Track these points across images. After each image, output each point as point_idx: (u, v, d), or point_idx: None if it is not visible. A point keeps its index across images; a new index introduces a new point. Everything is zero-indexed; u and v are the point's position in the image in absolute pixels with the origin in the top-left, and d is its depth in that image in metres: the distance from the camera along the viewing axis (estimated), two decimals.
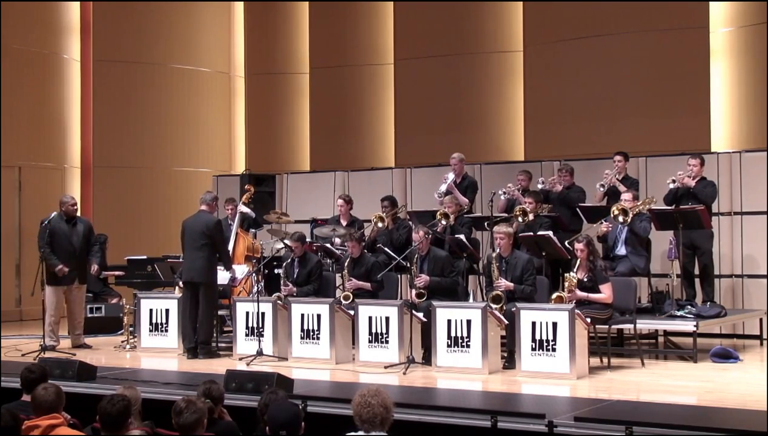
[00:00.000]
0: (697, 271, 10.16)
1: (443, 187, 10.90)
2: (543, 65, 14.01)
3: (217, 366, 8.91)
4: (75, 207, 10.81)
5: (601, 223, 9.87)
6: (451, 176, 11.02)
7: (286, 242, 10.57)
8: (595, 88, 13.33)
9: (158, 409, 6.24)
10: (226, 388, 6.58)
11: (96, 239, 11.04)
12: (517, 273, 8.91)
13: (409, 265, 9.38)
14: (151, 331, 10.29)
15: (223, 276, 10.10)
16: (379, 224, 10.84)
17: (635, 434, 5.85)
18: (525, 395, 7.59)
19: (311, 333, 9.26)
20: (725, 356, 9.00)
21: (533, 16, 14.23)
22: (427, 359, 8.74)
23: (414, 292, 9.18)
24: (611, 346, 8.93)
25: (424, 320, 8.80)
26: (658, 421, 5.99)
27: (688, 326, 9.20)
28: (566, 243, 9.44)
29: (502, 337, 8.68)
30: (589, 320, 8.27)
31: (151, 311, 10.30)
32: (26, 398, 5.85)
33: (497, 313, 8.52)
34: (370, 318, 8.93)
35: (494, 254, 9.02)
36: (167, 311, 10.22)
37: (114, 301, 12.47)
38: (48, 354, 9.73)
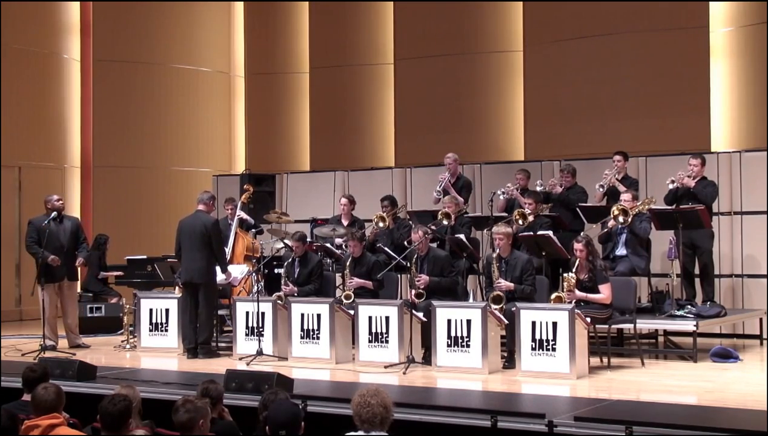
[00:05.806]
0: (697, 270, 10.16)
1: (439, 187, 10.94)
2: (543, 65, 14.01)
3: (217, 366, 8.91)
4: (61, 202, 10.78)
5: (605, 223, 9.86)
6: (447, 175, 11.05)
7: (287, 241, 10.57)
8: (595, 88, 13.32)
9: (158, 409, 6.24)
10: (226, 388, 6.58)
11: (85, 236, 11.00)
12: (517, 273, 8.91)
13: (408, 265, 9.38)
14: (151, 331, 10.30)
15: (220, 276, 10.10)
16: (380, 224, 10.84)
17: (635, 434, 5.84)
18: (525, 395, 7.59)
19: (311, 333, 9.26)
20: (725, 355, 9.00)
21: (533, 16, 14.23)
22: (427, 359, 8.74)
23: (413, 292, 9.18)
24: (611, 346, 8.92)
25: (424, 319, 8.80)
26: (658, 421, 5.98)
27: (688, 325, 9.20)
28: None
29: (502, 337, 8.68)
30: (589, 319, 8.27)
31: (151, 310, 10.31)
32: (26, 397, 5.85)
33: (497, 312, 8.51)
34: (370, 318, 8.93)
35: (494, 255, 9.02)
36: (167, 310, 10.23)
37: (114, 301, 12.47)
38: (48, 354, 9.73)
